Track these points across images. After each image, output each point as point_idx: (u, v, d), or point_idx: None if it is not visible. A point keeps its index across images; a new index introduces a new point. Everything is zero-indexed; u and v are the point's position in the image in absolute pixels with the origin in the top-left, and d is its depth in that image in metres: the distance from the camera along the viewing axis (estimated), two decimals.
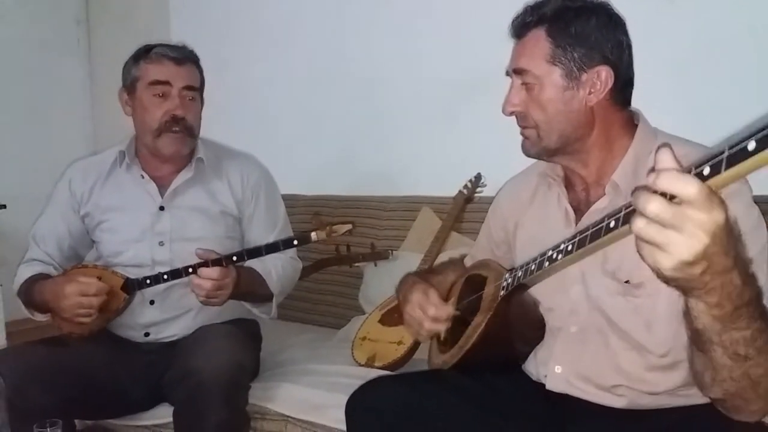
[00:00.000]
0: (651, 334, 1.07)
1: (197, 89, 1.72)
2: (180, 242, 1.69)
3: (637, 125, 1.16)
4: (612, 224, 0.83)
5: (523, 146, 1.20)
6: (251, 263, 1.62)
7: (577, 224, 1.17)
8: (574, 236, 0.95)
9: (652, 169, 0.67)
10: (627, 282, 1.08)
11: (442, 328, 1.28)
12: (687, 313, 0.81)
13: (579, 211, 1.19)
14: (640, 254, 0.70)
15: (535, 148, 1.17)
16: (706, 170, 0.64)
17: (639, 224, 0.67)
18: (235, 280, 1.53)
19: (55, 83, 3.15)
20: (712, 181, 0.64)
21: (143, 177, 1.73)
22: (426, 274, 1.53)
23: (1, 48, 2.95)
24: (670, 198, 0.66)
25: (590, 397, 1.14)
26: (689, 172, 0.66)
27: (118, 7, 3.16)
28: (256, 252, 1.55)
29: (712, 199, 0.65)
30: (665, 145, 0.69)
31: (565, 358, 1.17)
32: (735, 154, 0.61)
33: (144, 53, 1.69)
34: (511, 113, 1.17)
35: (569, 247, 0.97)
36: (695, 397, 1.02)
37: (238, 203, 1.77)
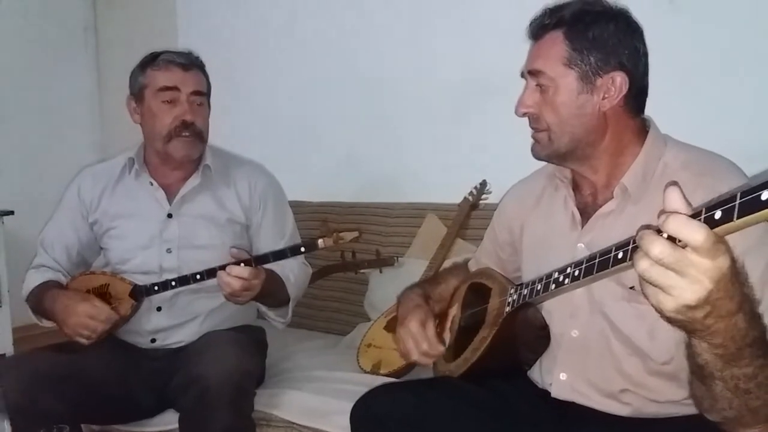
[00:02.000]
0: (653, 341, 1.07)
1: (205, 94, 1.73)
2: (187, 249, 1.70)
3: (647, 132, 1.16)
4: (620, 255, 0.83)
5: (533, 149, 1.20)
6: (270, 267, 1.63)
7: (583, 227, 1.17)
8: (581, 262, 0.95)
9: (662, 211, 0.67)
10: (632, 288, 1.08)
11: (429, 363, 1.31)
12: (689, 348, 0.81)
13: (585, 214, 1.19)
14: (643, 293, 0.71)
15: (545, 150, 1.17)
16: (718, 215, 0.63)
17: (643, 265, 0.67)
18: (263, 281, 1.54)
19: (62, 89, 3.17)
20: (722, 228, 0.63)
21: (152, 184, 1.74)
22: (428, 284, 1.53)
23: (9, 54, 2.98)
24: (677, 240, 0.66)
25: (595, 405, 1.14)
26: (700, 213, 0.65)
27: (126, 14, 3.18)
28: (266, 258, 1.55)
29: (718, 246, 0.64)
30: (673, 183, 0.68)
31: (569, 365, 1.17)
32: (748, 203, 0.60)
33: (151, 60, 1.70)
34: (524, 114, 1.17)
35: (576, 273, 0.97)
36: None
37: (246, 210, 1.78)
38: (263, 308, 1.76)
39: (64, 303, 1.59)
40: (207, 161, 1.75)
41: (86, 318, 1.55)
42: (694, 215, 0.65)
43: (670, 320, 0.72)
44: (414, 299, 1.39)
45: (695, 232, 0.63)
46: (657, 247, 0.65)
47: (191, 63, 1.70)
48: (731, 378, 0.80)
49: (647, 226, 0.69)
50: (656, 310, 0.71)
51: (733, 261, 0.67)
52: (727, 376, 0.80)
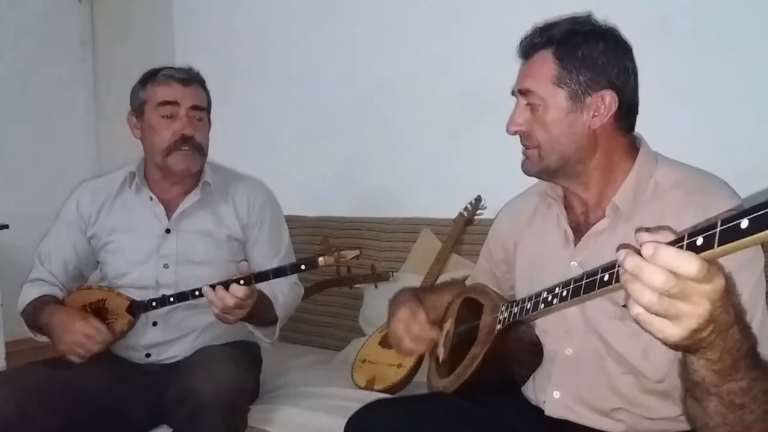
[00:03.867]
0: (647, 360, 1.08)
1: (204, 109, 1.74)
2: (185, 265, 1.70)
3: (638, 149, 1.17)
4: (606, 278, 0.83)
5: (523, 165, 1.21)
6: (259, 286, 1.63)
7: (575, 245, 1.18)
8: (569, 282, 0.96)
9: (646, 229, 0.67)
10: (625, 306, 1.08)
11: (422, 349, 1.31)
12: (684, 366, 0.81)
13: (578, 232, 1.19)
14: (645, 328, 0.69)
15: (536, 167, 1.18)
16: (700, 241, 0.63)
17: (649, 298, 0.66)
18: (254, 301, 1.53)
19: (59, 103, 3.17)
20: (704, 255, 0.63)
21: (152, 199, 1.75)
22: (421, 291, 1.54)
23: (6, 67, 2.98)
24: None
25: (589, 423, 1.14)
26: (682, 240, 0.65)
27: (123, 28, 3.20)
28: (266, 275, 1.54)
29: (711, 270, 0.64)
30: (639, 229, 0.69)
31: (563, 383, 1.17)
32: (728, 230, 0.60)
33: (151, 76, 1.72)
34: (515, 133, 1.19)
35: (564, 293, 0.98)
36: None
37: (243, 227, 1.79)
38: (250, 327, 1.75)
39: (62, 319, 1.58)
40: (206, 178, 1.76)
41: (83, 337, 1.54)
42: (676, 241, 0.66)
43: (677, 347, 0.72)
44: (403, 296, 1.41)
45: (689, 265, 0.63)
46: (660, 277, 0.64)
47: (191, 78, 1.72)
48: (727, 394, 0.80)
49: (627, 247, 0.68)
50: (662, 341, 0.70)
51: (727, 278, 0.68)
52: (723, 392, 0.80)
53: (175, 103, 1.67)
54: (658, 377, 1.08)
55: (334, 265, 1.55)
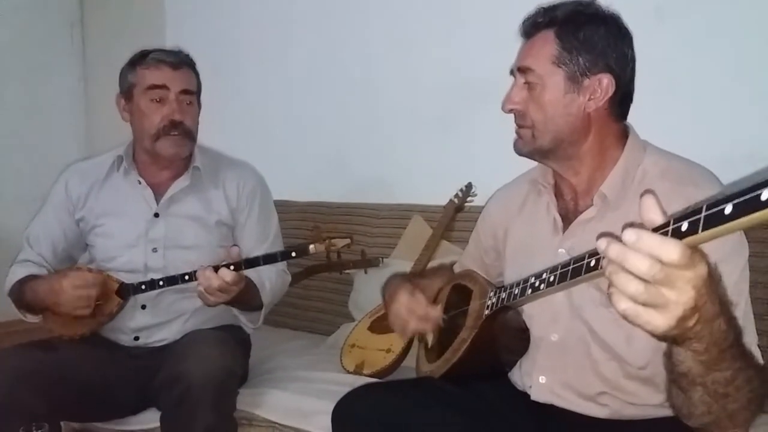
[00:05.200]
0: (630, 347, 1.09)
1: (194, 93, 1.72)
2: (174, 249, 1.70)
3: (628, 138, 1.18)
4: (593, 263, 0.84)
5: (515, 144, 1.21)
6: (247, 273, 1.62)
7: (564, 233, 1.19)
8: (556, 267, 0.97)
9: (627, 225, 0.66)
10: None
11: (428, 327, 1.31)
12: (670, 357, 0.82)
13: (567, 219, 1.20)
14: (632, 322, 0.68)
15: (528, 147, 1.19)
16: (684, 227, 0.63)
17: (636, 288, 0.65)
18: (241, 288, 1.52)
19: (48, 85, 3.14)
20: (688, 240, 0.63)
21: (140, 182, 1.74)
22: (413, 276, 1.54)
23: None
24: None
25: (574, 407, 1.16)
26: (667, 225, 0.65)
27: (113, 9, 3.16)
28: (256, 262, 1.53)
29: (693, 257, 0.65)
30: (649, 191, 0.69)
31: (548, 368, 1.19)
32: (712, 216, 0.60)
33: (140, 59, 1.69)
34: (510, 111, 1.19)
35: (551, 278, 0.99)
36: None
37: (233, 212, 1.78)
38: (235, 311, 1.75)
39: (48, 287, 1.58)
40: (196, 162, 1.75)
41: (76, 290, 1.54)
42: (661, 226, 0.66)
43: (664, 337, 0.72)
44: (397, 280, 1.41)
45: (671, 251, 0.63)
46: (645, 263, 0.64)
47: (181, 61, 1.70)
48: (712, 384, 0.81)
49: (608, 234, 0.68)
50: (649, 332, 0.69)
51: (709, 265, 0.68)
52: (708, 382, 0.81)
53: (164, 87, 1.65)
54: (641, 364, 1.09)
55: (324, 252, 1.54)
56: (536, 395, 1.20)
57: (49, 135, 3.12)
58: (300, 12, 2.56)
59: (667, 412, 1.09)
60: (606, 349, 1.12)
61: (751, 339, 1.00)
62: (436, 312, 1.30)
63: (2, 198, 2.69)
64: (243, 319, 1.78)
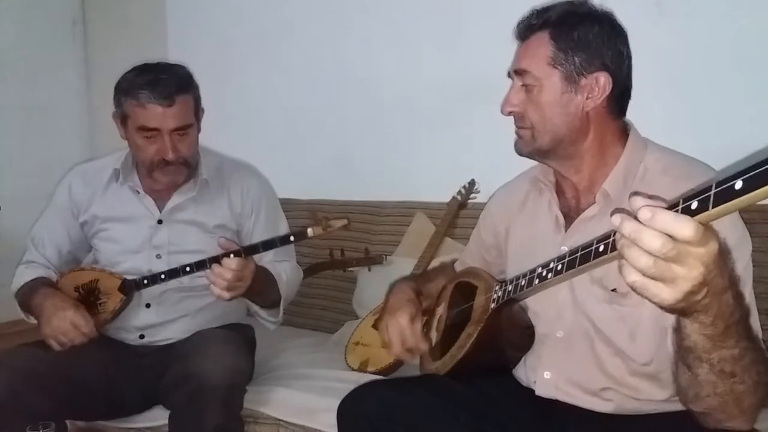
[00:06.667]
0: (634, 343, 1.10)
1: (190, 125, 1.65)
2: (177, 255, 1.69)
3: (628, 135, 1.18)
4: (601, 248, 0.84)
5: (516, 145, 1.22)
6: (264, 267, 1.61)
7: (566, 231, 1.19)
8: (564, 256, 0.97)
9: (635, 193, 0.67)
10: (614, 290, 1.10)
11: (410, 360, 1.33)
12: (678, 331, 0.82)
13: (569, 217, 1.21)
14: (641, 294, 0.70)
15: (528, 147, 1.19)
16: (694, 205, 0.64)
17: (645, 261, 0.67)
18: (253, 272, 1.50)
19: (51, 83, 3.13)
20: (699, 218, 0.64)
21: (138, 193, 1.73)
22: (420, 279, 1.55)
23: None
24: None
25: (579, 402, 1.16)
26: (678, 204, 0.66)
27: (115, 7, 3.15)
28: (255, 248, 1.52)
29: (706, 233, 0.66)
30: (635, 193, 0.70)
31: (553, 364, 1.19)
32: (722, 192, 0.61)
33: (132, 90, 1.59)
34: (509, 113, 1.20)
35: (559, 267, 0.99)
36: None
37: (237, 217, 1.77)
38: (255, 307, 1.74)
39: (55, 304, 1.56)
40: (204, 176, 1.73)
41: (70, 325, 1.53)
42: (672, 206, 0.67)
43: (672, 309, 0.73)
44: (407, 292, 1.40)
45: (684, 228, 0.64)
46: (658, 241, 0.65)
47: (175, 93, 1.59)
48: (718, 361, 0.82)
49: (620, 210, 0.69)
50: (656, 304, 0.71)
51: (720, 242, 0.69)
52: (714, 359, 0.81)
53: (155, 129, 1.59)
54: (645, 360, 1.09)
55: (323, 235, 1.51)
56: (541, 390, 1.20)
57: (51, 133, 3.11)
58: (302, 10, 2.55)
59: (671, 407, 1.10)
60: (609, 345, 1.12)
61: (756, 328, 1.00)
62: (425, 347, 1.31)
63: (4, 198, 2.69)
64: (264, 315, 1.75)
